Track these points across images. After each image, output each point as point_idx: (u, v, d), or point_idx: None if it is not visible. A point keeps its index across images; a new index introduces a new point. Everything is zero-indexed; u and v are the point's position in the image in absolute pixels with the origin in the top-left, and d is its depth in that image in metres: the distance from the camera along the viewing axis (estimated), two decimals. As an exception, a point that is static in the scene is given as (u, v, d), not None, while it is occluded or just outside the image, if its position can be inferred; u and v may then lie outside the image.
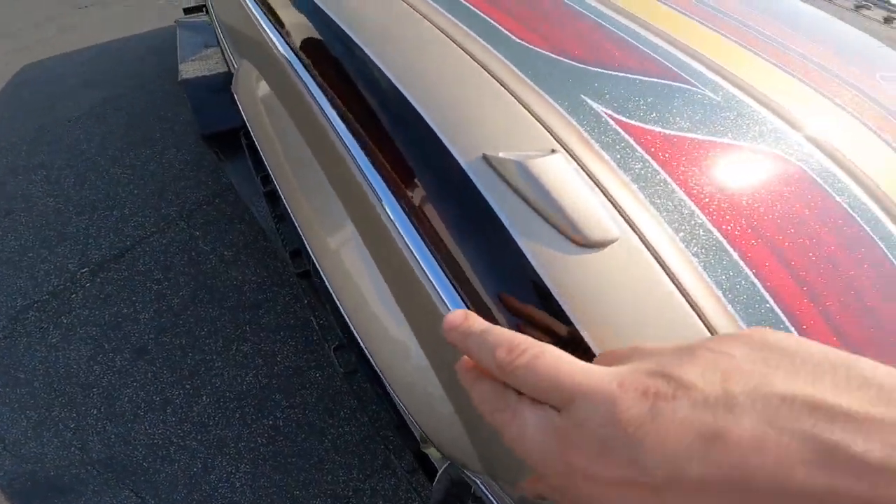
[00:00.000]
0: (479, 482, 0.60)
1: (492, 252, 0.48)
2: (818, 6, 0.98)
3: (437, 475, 0.76)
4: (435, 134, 0.54)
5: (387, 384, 0.65)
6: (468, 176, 0.50)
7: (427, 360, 0.60)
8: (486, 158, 0.50)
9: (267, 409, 1.35)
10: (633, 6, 0.71)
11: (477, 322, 0.29)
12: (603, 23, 0.67)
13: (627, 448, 0.19)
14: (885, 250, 0.50)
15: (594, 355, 0.42)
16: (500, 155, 0.49)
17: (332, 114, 0.69)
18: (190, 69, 1.67)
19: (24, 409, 1.37)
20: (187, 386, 1.39)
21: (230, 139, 1.47)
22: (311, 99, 0.74)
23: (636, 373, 0.22)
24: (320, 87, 0.73)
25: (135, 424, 1.34)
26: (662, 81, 0.57)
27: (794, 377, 0.19)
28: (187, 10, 2.07)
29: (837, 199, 0.51)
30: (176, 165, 1.85)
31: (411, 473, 1.01)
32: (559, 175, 0.47)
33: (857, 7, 1.06)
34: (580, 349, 0.43)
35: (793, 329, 0.44)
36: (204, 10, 2.05)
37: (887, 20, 1.03)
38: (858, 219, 0.51)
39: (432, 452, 0.86)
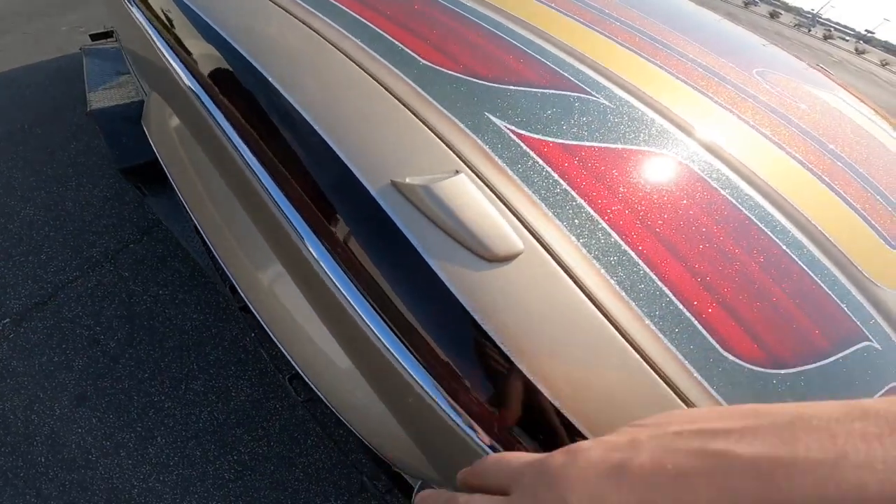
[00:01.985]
0: None
1: (408, 274, 0.50)
2: (707, 4, 1.05)
3: (414, 490, 0.78)
4: (344, 163, 0.55)
5: (338, 414, 0.65)
6: (378, 203, 0.52)
7: (369, 385, 0.61)
8: (393, 184, 0.52)
9: (229, 445, 1.31)
10: (533, 18, 0.74)
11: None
12: (506, 37, 0.70)
13: (556, 489, 0.23)
14: (771, 235, 0.56)
15: (510, 359, 0.45)
16: (407, 180, 0.51)
17: (243, 148, 0.68)
18: (100, 98, 1.57)
19: None
20: (138, 428, 1.32)
21: (152, 172, 1.41)
22: (222, 134, 0.73)
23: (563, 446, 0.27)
24: (230, 120, 0.72)
25: (88, 470, 1.27)
26: (560, 92, 0.61)
27: (687, 422, 0.24)
28: (94, 36, 1.94)
29: (722, 192, 0.57)
30: (94, 203, 1.73)
31: (389, 493, 1.02)
32: (463, 195, 0.49)
33: (746, 4, 1.15)
34: (498, 356, 0.46)
35: (692, 317, 0.47)
36: (113, 35, 1.94)
37: (773, 15, 1.13)
38: (742, 208, 0.56)
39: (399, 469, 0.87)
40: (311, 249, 0.57)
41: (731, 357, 0.46)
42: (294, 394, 0.96)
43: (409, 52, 0.66)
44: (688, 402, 0.44)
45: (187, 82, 0.82)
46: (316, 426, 1.34)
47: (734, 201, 0.56)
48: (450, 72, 0.63)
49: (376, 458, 0.95)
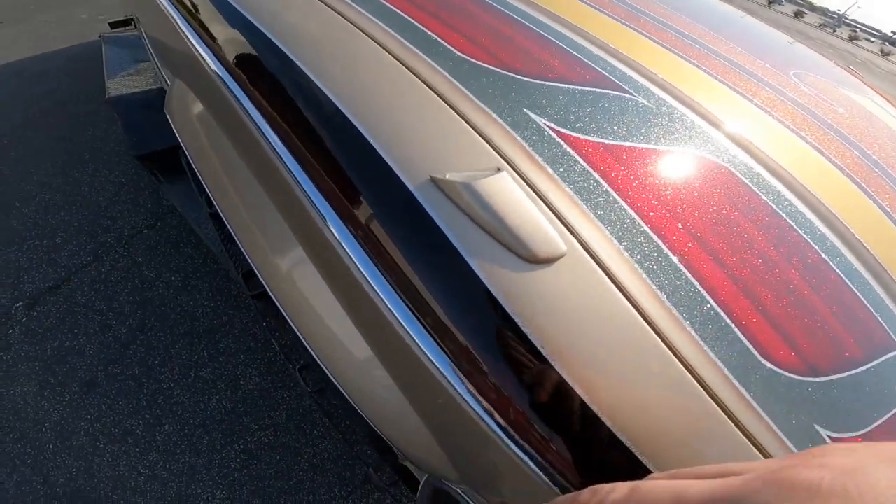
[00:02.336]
0: (460, 492, 0.61)
1: (445, 273, 0.49)
2: (732, 3, 1.04)
3: (420, 485, 0.76)
4: (381, 157, 0.54)
5: (356, 406, 0.65)
6: (417, 199, 0.51)
7: (390, 378, 0.60)
8: (433, 180, 0.51)
9: (236, 434, 1.31)
10: (568, 13, 0.73)
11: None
12: (542, 32, 0.68)
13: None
14: (810, 241, 0.55)
15: (551, 364, 0.44)
16: (447, 176, 0.50)
17: (273, 137, 0.67)
18: (118, 86, 1.57)
19: None
20: (146, 415, 1.32)
21: (168, 159, 1.41)
22: (249, 120, 0.72)
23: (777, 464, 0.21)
24: (258, 108, 0.71)
25: (95, 457, 1.27)
26: (597, 90, 0.60)
27: None
28: (113, 24, 1.95)
29: (763, 197, 0.55)
30: (110, 188, 1.74)
31: (393, 486, 1.01)
32: (505, 194, 0.48)
33: (770, 2, 1.14)
34: (537, 359, 0.45)
35: (731, 324, 0.46)
36: (132, 24, 1.94)
37: (797, 14, 1.11)
38: (782, 213, 0.55)
39: (411, 464, 0.87)
40: (342, 243, 0.56)
41: (768, 364, 0.45)
42: (303, 384, 0.96)
43: (444, 43, 0.64)
44: (724, 408, 0.44)
45: (216, 70, 0.81)
46: (323, 417, 1.33)
47: (774, 206, 0.55)
48: (485, 65, 0.62)
49: (382, 449, 0.95)
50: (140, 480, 1.24)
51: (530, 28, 0.68)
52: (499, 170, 0.50)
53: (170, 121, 1.02)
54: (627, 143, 0.56)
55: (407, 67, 0.61)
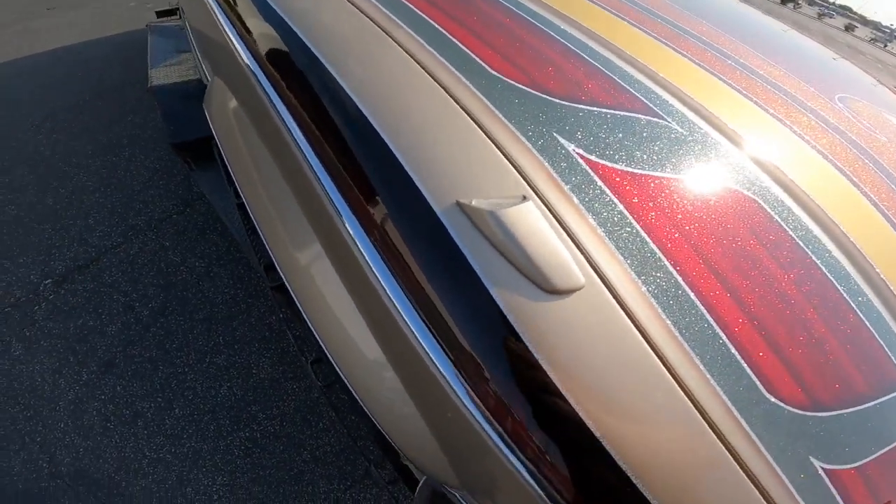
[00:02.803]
0: (458, 496, 0.63)
1: (463, 293, 0.50)
2: (778, 14, 1.01)
3: (418, 486, 0.78)
4: (409, 177, 0.55)
5: (362, 404, 0.66)
6: (442, 222, 0.52)
7: (399, 381, 0.61)
8: (459, 205, 0.52)
9: (243, 421, 1.33)
10: (606, 31, 0.72)
11: None
12: (577, 50, 0.67)
13: None
14: (834, 281, 0.54)
15: (558, 389, 0.45)
16: (474, 203, 0.51)
17: (303, 142, 0.68)
18: (160, 75, 1.63)
19: None
20: (158, 399, 1.36)
21: (201, 148, 1.45)
22: (280, 122, 0.73)
23: None
24: (290, 111, 0.73)
25: (104, 438, 1.30)
26: (630, 114, 0.59)
27: None
28: (160, 14, 2.02)
29: (792, 234, 0.55)
30: (144, 174, 1.79)
31: (392, 484, 1.02)
32: (529, 224, 0.49)
33: (820, 15, 1.11)
34: (546, 386, 0.46)
35: (742, 360, 0.47)
36: (177, 13, 2.00)
37: (848, 28, 1.08)
38: (809, 252, 0.54)
39: (412, 464, 0.87)
40: (362, 251, 0.58)
41: (772, 399, 0.46)
42: (314, 377, 0.97)
43: (479, 60, 0.64)
44: (723, 440, 0.45)
45: (253, 69, 0.83)
46: (330, 410, 1.35)
47: (801, 243, 0.54)
48: (519, 85, 0.62)
49: (385, 447, 0.96)
50: (144, 463, 1.27)
51: (566, 45, 0.68)
52: (524, 198, 0.51)
53: (207, 116, 1.05)
54: (656, 173, 0.55)
55: (439, 83, 0.62)
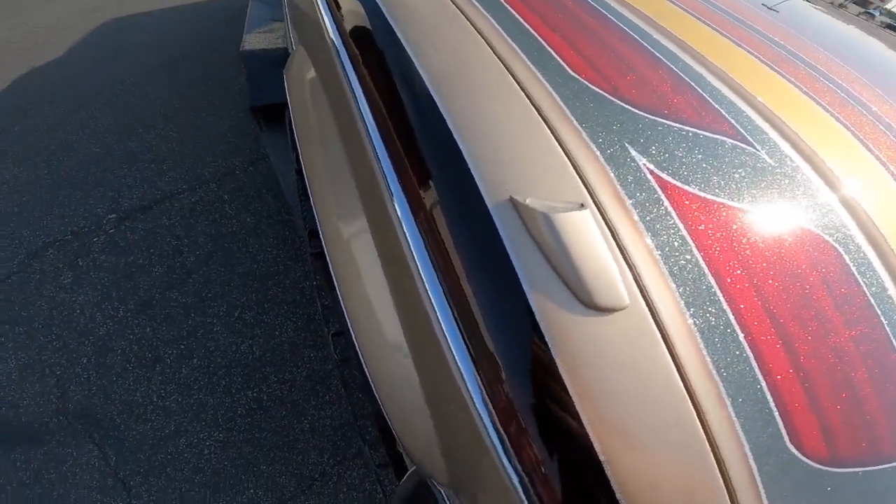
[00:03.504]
0: (443, 493, 0.61)
1: (498, 292, 0.48)
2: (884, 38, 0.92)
3: (406, 475, 0.76)
4: (466, 164, 0.54)
5: (372, 384, 0.64)
6: (492, 216, 0.50)
7: (414, 368, 0.59)
8: (512, 202, 0.50)
9: (254, 381, 1.35)
10: (703, 46, 0.67)
11: None
12: (665, 60, 0.64)
13: None
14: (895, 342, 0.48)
15: (574, 408, 0.43)
16: (528, 202, 0.49)
17: (369, 118, 0.68)
18: (252, 41, 1.71)
19: (16, 349, 1.39)
20: (182, 346, 1.40)
21: (276, 113, 1.50)
22: (352, 98, 0.74)
23: None
24: (364, 89, 0.73)
25: (120, 379, 1.36)
26: (717, 137, 0.55)
27: None
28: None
29: (865, 290, 0.49)
30: (220, 130, 1.89)
31: (381, 468, 1.01)
32: (582, 234, 0.46)
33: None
34: (562, 401, 0.43)
35: (775, 410, 0.44)
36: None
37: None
38: (879, 311, 0.49)
39: (406, 454, 0.87)
40: (406, 232, 0.57)
41: (793, 450, 0.44)
42: (332, 349, 0.97)
43: (558, 59, 0.62)
44: (728, 485, 0.43)
45: (336, 43, 0.85)
46: (339, 385, 1.35)
47: (872, 299, 0.49)
48: (597, 89, 0.59)
49: (383, 431, 0.94)
50: (149, 409, 1.31)
51: (655, 55, 0.64)
52: (582, 206, 0.49)
53: (285, 82, 1.09)
54: (730, 202, 0.51)
55: (513, 75, 0.60)
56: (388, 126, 0.66)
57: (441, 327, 0.52)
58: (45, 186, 1.74)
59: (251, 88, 1.58)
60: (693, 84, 0.61)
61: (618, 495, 0.42)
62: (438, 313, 0.53)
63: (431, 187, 0.57)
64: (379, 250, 0.68)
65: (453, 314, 0.51)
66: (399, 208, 0.60)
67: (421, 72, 0.64)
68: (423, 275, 0.55)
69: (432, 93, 0.61)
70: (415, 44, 0.68)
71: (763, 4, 0.83)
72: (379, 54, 0.74)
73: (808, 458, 0.44)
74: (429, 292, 0.54)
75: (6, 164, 1.80)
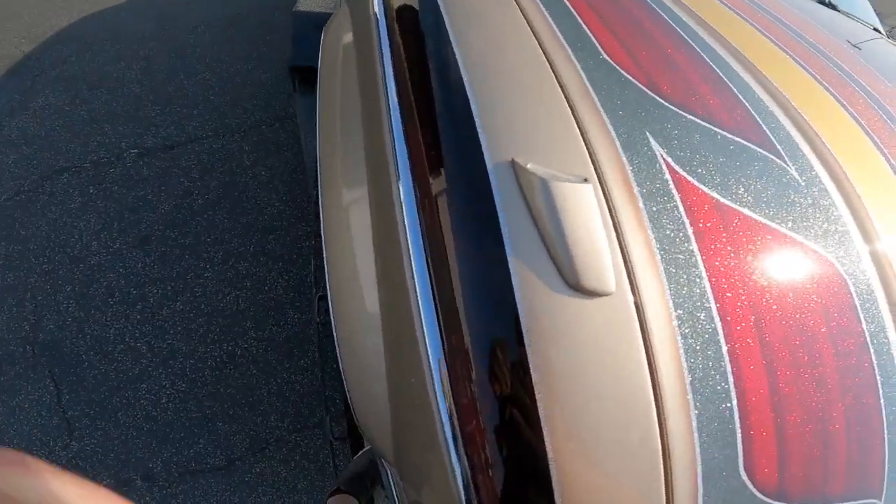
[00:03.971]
0: (390, 475, 0.59)
1: (481, 256, 0.46)
2: None
3: (361, 452, 0.75)
4: (473, 121, 0.52)
5: (337, 349, 0.63)
6: (488, 175, 0.48)
7: (382, 345, 0.57)
8: (513, 164, 0.48)
9: (232, 334, 1.33)
10: (746, 47, 0.65)
11: None
12: (708, 60, 0.61)
13: None
14: (879, 383, 0.48)
15: (533, 396, 0.41)
16: (529, 166, 0.47)
17: (389, 74, 0.68)
18: (308, 2, 1.73)
19: (4, 268, 1.39)
20: (168, 287, 1.39)
21: (312, 76, 1.50)
22: (378, 56, 0.73)
23: None
24: (391, 45, 0.72)
25: (98, 313, 1.34)
26: (747, 144, 0.52)
27: None
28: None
29: (864, 328, 0.47)
30: (256, 85, 1.91)
31: (339, 441, 0.99)
32: (580, 207, 0.44)
33: None
34: (522, 382, 0.41)
35: (739, 432, 0.42)
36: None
37: None
38: (871, 348, 0.47)
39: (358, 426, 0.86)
40: (402, 196, 0.55)
41: (744, 476, 0.43)
42: (316, 311, 0.95)
43: (594, 41, 0.61)
44: (669, 499, 0.41)
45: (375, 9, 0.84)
46: (315, 351, 1.32)
47: (868, 338, 0.47)
48: (629, 76, 0.57)
49: (348, 405, 0.91)
50: (118, 349, 1.29)
51: (697, 53, 0.62)
52: (585, 181, 0.46)
53: (322, 39, 1.09)
54: (745, 211, 0.48)
55: (545, 52, 0.58)
56: (406, 83, 0.65)
57: (415, 286, 0.50)
58: (77, 116, 1.78)
59: (294, 48, 1.59)
60: (735, 89, 0.58)
61: (556, 496, 0.40)
62: (416, 273, 0.50)
63: (437, 151, 0.55)
64: (373, 218, 0.67)
65: (430, 271, 0.49)
66: (401, 171, 0.58)
67: (449, 29, 0.62)
68: (408, 228, 0.53)
69: (455, 49, 0.60)
70: (454, 14, 0.66)
71: (846, 40, 0.80)
72: (413, 14, 0.72)
73: (756, 488, 0.43)
74: (409, 241, 0.52)
75: (49, 91, 1.84)
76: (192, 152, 1.69)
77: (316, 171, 1.20)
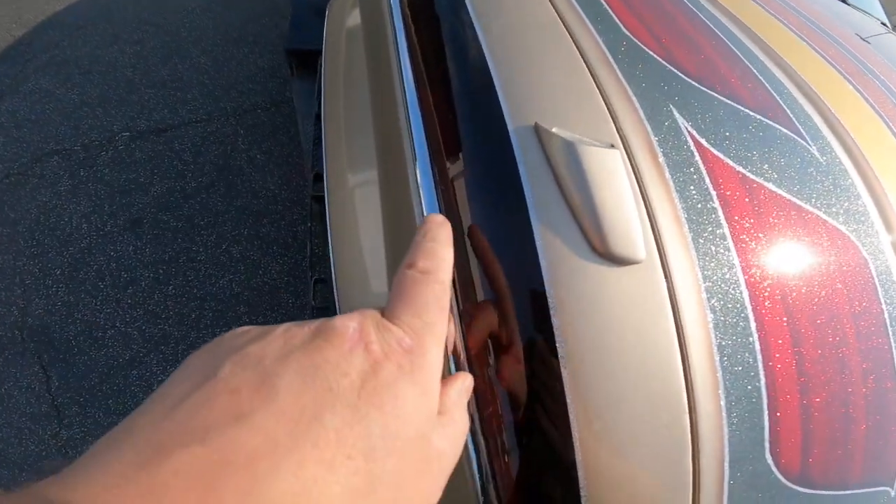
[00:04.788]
0: None
1: (504, 226, 0.44)
2: None
3: None
4: (494, 92, 0.50)
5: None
6: (511, 139, 0.46)
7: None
8: (537, 128, 0.46)
9: (225, 319, 1.30)
10: (768, 35, 0.65)
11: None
12: (728, 42, 0.61)
13: None
14: None
15: (558, 365, 0.39)
16: (554, 129, 0.45)
17: (404, 55, 0.66)
18: (308, -14, 1.70)
19: None
20: (160, 270, 1.35)
21: (310, 60, 1.48)
22: (391, 33, 0.71)
23: None
24: (403, 21, 0.70)
25: (88, 297, 1.30)
26: (769, 122, 0.52)
27: None
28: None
29: (883, 305, 0.46)
30: (252, 69, 1.88)
31: None
32: (607, 173, 0.42)
33: None
34: (549, 353, 0.40)
35: (766, 409, 0.41)
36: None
37: None
38: (890, 330, 0.46)
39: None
40: (418, 172, 0.54)
41: (769, 460, 0.42)
42: (312, 296, 0.93)
43: (615, 18, 0.60)
44: (695, 484, 0.40)
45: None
46: None
47: (887, 320, 0.46)
48: (651, 52, 0.56)
49: None
50: (109, 334, 1.25)
51: (717, 34, 0.62)
52: (612, 146, 0.45)
53: (326, 21, 1.07)
54: (770, 186, 0.47)
55: (565, 24, 0.57)
56: (419, 61, 0.63)
57: None
58: (68, 100, 1.74)
59: (292, 30, 1.55)
60: (755, 70, 0.58)
61: (580, 475, 0.38)
62: None
63: (452, 119, 0.54)
64: (383, 203, 0.66)
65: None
66: (416, 139, 0.56)
67: (468, 6, 0.61)
68: (424, 208, 0.51)
69: (474, 21, 0.58)
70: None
71: (855, 33, 0.80)
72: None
73: (780, 472, 0.42)
74: (423, 207, 0.51)
75: (41, 75, 1.81)
76: (185, 135, 1.65)
77: (312, 154, 1.18)
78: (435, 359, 0.21)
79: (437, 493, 0.19)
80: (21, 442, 1.11)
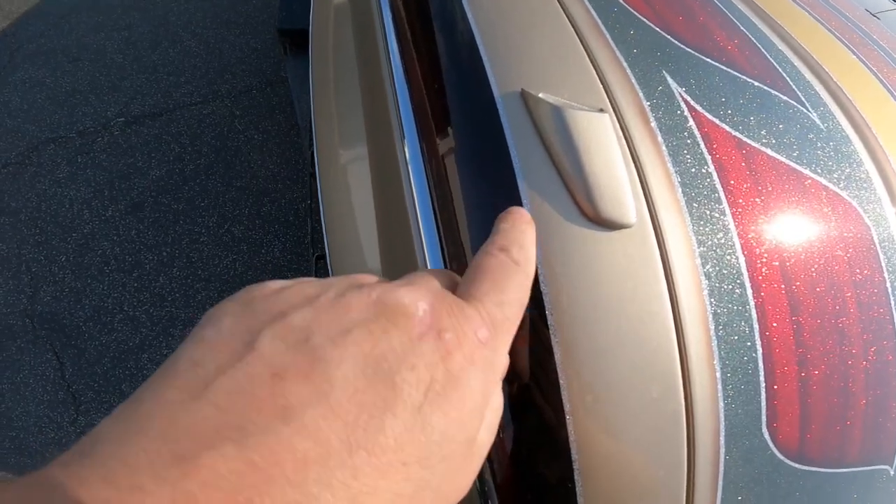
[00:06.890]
0: None
1: (492, 194, 0.44)
2: None
3: None
4: (479, 56, 0.49)
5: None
6: (497, 107, 0.45)
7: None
8: (523, 94, 0.45)
9: (231, 299, 1.31)
10: (766, 2, 0.63)
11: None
12: (725, 10, 0.59)
13: None
14: None
15: (548, 334, 0.39)
16: (541, 95, 0.44)
17: (388, 19, 0.65)
18: (293, -36, 1.65)
19: None
20: (164, 253, 1.36)
21: (303, 39, 1.45)
22: (377, 13, 0.70)
23: None
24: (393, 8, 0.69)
25: (95, 282, 1.31)
26: (767, 89, 0.50)
27: None
28: None
29: (885, 274, 0.45)
30: (245, 50, 1.85)
31: None
32: (597, 136, 0.41)
33: None
34: (540, 322, 0.39)
35: (763, 383, 0.40)
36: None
37: None
38: (893, 302, 0.45)
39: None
40: (406, 149, 0.54)
41: (766, 435, 0.41)
42: (314, 272, 0.93)
43: None
44: (690, 461, 0.39)
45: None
46: None
47: (889, 290, 0.45)
48: (644, 19, 0.55)
49: None
50: (117, 318, 1.27)
51: (717, 6, 0.60)
52: (602, 111, 0.44)
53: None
54: (769, 151, 0.46)
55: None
56: (401, 19, 0.64)
57: (419, 230, 0.49)
58: (60, 88, 1.73)
59: (282, 10, 1.53)
60: (753, 38, 0.57)
61: (573, 450, 0.38)
62: (423, 238, 0.48)
63: (440, 87, 0.53)
64: (374, 181, 0.66)
65: (439, 233, 0.47)
66: (403, 114, 0.56)
67: None
68: (413, 182, 0.51)
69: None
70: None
71: (864, 8, 0.78)
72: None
73: (777, 447, 0.41)
74: (415, 195, 0.51)
75: (29, 65, 1.79)
76: (181, 119, 1.64)
77: (310, 132, 1.17)
78: (505, 359, 0.18)
79: (471, 483, 0.18)
80: (41, 430, 1.14)
